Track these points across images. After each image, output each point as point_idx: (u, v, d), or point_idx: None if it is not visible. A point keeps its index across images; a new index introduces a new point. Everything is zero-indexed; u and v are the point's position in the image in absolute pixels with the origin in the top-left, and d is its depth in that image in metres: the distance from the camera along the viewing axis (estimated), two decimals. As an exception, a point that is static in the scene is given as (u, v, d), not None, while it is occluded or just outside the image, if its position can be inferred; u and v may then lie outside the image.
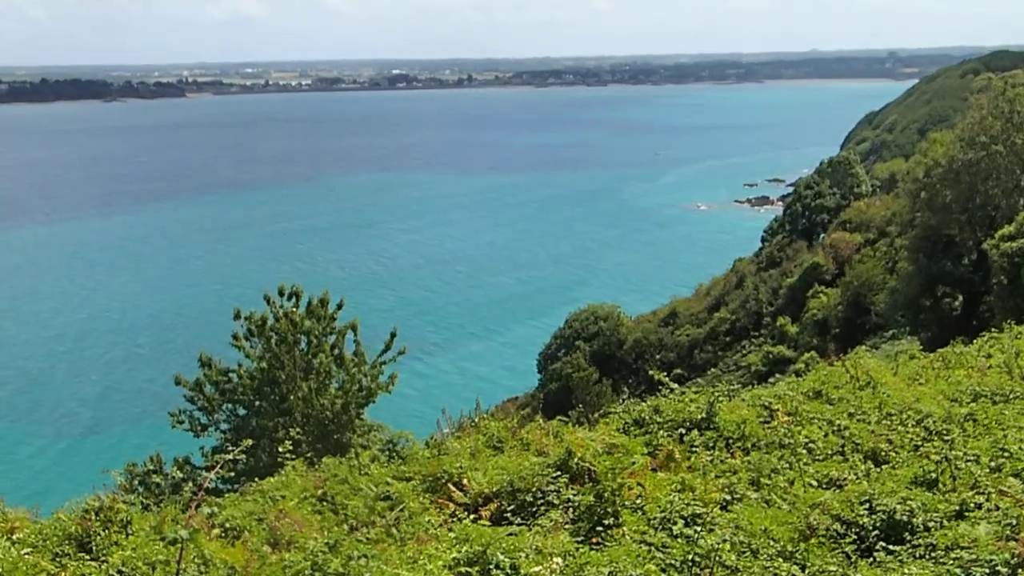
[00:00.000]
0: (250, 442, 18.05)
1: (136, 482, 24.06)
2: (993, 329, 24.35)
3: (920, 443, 11.80)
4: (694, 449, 12.35)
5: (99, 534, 10.31)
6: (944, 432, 11.96)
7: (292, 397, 26.13)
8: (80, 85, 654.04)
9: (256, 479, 16.21)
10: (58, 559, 9.99)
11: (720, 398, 13.93)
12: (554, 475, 11.37)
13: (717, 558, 8.55)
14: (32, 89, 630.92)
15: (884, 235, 60.96)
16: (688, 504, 9.84)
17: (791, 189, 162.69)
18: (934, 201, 40.94)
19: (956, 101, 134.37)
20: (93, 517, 10.49)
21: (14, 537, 10.53)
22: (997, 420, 12.62)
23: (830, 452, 12.01)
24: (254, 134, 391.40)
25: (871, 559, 8.86)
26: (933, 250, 40.84)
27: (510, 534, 9.31)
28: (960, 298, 41.61)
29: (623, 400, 18.07)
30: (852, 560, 8.91)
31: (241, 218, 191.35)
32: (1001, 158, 39.35)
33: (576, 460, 11.47)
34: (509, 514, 11.05)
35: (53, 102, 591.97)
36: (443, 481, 12.65)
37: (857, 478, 10.84)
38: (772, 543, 9.02)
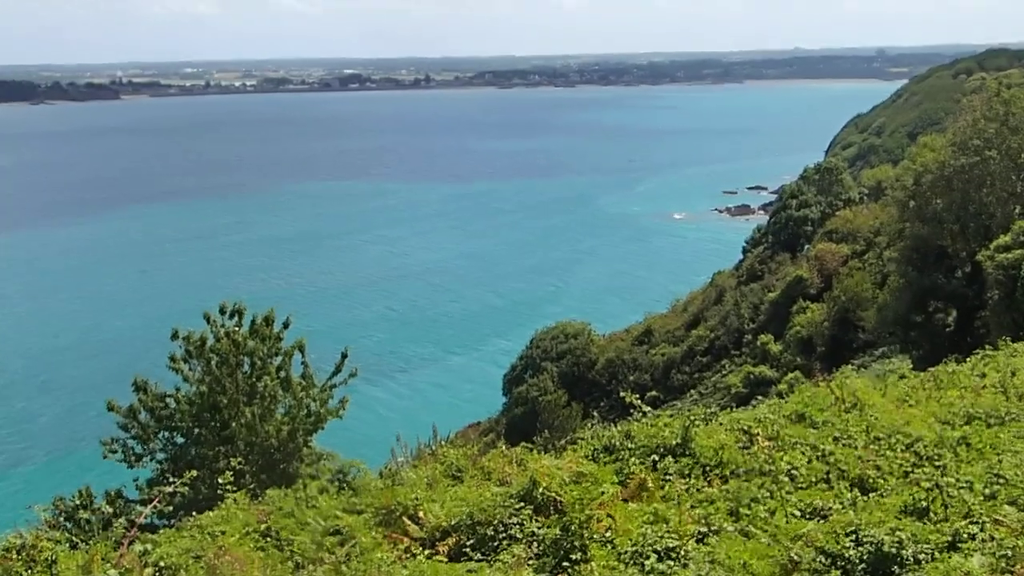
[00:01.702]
0: (195, 473, 17.94)
1: (63, 518, 23.74)
2: (988, 346, 24.48)
3: (910, 469, 11.82)
4: (668, 477, 12.34)
5: (21, 574, 10.18)
6: (935, 457, 11.99)
7: (234, 424, 25.90)
8: (4, 87, 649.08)
9: (194, 513, 16.06)
10: (-25, 601, 9.86)
11: (696, 422, 13.95)
12: (517, 506, 11.33)
13: (692, 595, 8.54)
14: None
15: (872, 246, 61.35)
16: (661, 537, 9.82)
17: (774, 197, 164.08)
18: (924, 210, 41.20)
19: (948, 103, 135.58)
20: (15, 556, 10.37)
21: (-73, 579, 10.38)
22: (992, 444, 12.68)
23: (814, 479, 12.02)
24: (197, 139, 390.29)
25: (858, 595, 8.86)
26: (924, 262, 41.09)
27: (469, 571, 9.28)
28: (953, 313, 41.88)
29: (593, 425, 18.07)
30: (837, 596, 8.90)
31: (187, 230, 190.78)
32: (995, 164, 39.63)
33: (541, 490, 11.44)
34: (468, 549, 11.00)
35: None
36: (397, 514, 12.58)
37: (843, 507, 10.85)
38: (751, 578, 9.01)
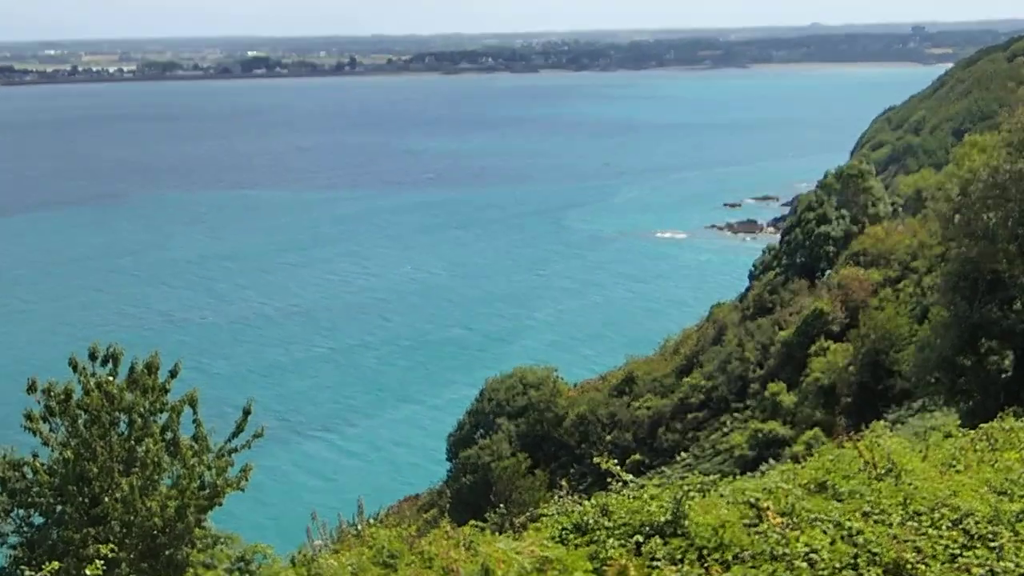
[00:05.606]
0: (56, 566, 17.70)
1: None
2: (1054, 396, 24.64)
3: (958, 551, 11.84)
4: (655, 563, 12.30)
5: None
6: (990, 536, 12.01)
7: (107, 498, 25.63)
8: None
9: (55, 613, 15.90)
10: None
11: (691, 493, 13.90)
12: (465, 603, 11.27)
13: None
14: None
15: (910, 271, 61.77)
16: (647, 640, 9.77)
17: (787, 210, 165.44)
18: (974, 226, 41.31)
19: (1002, 92, 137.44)
20: None
21: None
22: (1059, 519, 12.70)
23: (838, 565, 12.00)
24: (65, 137, 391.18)
25: None
26: (974, 291, 41.17)
27: None
28: (1010, 355, 42.02)
29: (560, 498, 18.01)
30: None
31: (54, 251, 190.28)
32: (1061, 169, 39.83)
33: (495, 582, 11.37)
34: (403, 658, 10.93)
35: None
36: (313, 613, 12.50)
37: (875, 601, 10.84)
38: None
